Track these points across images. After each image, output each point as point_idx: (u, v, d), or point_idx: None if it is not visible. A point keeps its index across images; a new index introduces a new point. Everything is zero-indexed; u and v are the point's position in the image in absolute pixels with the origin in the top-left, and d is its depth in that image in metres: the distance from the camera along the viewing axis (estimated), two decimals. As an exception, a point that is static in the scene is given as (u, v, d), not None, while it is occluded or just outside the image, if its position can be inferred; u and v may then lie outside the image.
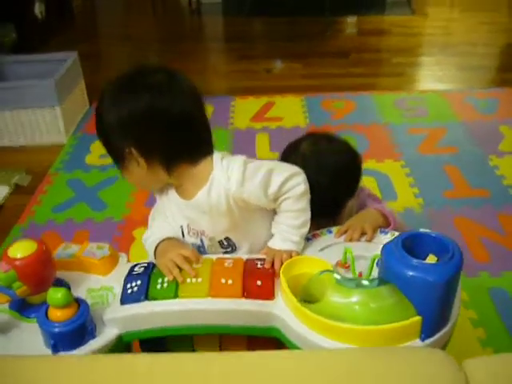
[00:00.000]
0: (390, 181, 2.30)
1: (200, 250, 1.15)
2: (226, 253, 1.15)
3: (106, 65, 3.88)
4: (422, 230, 0.94)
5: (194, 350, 1.10)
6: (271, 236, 1.11)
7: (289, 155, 1.26)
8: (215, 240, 1.13)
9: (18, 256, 0.99)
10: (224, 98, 3.15)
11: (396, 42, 4.06)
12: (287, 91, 3.21)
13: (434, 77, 3.53)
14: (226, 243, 1.14)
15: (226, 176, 1.04)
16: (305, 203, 1.09)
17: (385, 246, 0.92)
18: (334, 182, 1.22)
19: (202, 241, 1.14)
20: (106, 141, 1.07)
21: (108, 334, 0.99)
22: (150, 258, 1.10)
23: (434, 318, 0.90)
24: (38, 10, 4.16)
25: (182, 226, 1.14)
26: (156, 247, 1.09)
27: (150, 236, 1.13)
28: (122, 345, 1.01)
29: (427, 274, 0.85)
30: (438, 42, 4.09)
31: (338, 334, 0.91)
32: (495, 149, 2.54)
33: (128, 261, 1.15)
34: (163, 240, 1.09)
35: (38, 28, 4.09)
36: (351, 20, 4.72)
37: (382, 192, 2.20)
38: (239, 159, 1.06)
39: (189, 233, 1.14)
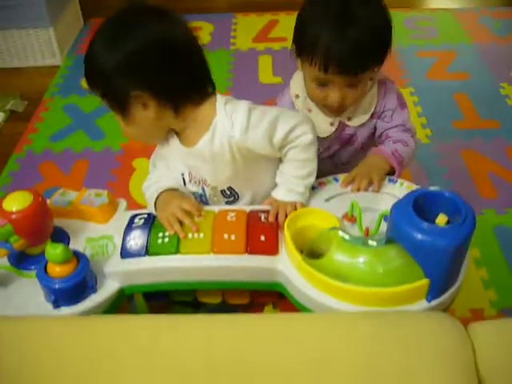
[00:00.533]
0: (397, 110, 2.22)
1: (202, 199, 1.12)
2: (228, 202, 1.12)
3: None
4: (434, 188, 0.90)
5: (196, 301, 1.09)
6: (275, 184, 1.08)
7: (308, 3, 1.11)
8: (217, 190, 1.10)
9: (14, 209, 0.96)
10: (225, 16, 3.00)
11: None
12: (292, 8, 3.04)
13: (446, -7, 3.33)
14: (228, 192, 1.11)
15: (229, 122, 0.99)
16: (312, 153, 1.05)
17: (395, 205, 0.88)
18: (364, 29, 1.03)
19: (203, 190, 1.11)
20: (104, 88, 0.98)
21: (109, 287, 0.98)
22: (150, 209, 1.06)
23: (442, 280, 0.87)
24: None
25: (183, 174, 1.10)
26: (157, 198, 1.05)
27: (151, 185, 1.09)
28: (123, 297, 1.00)
29: (437, 239, 0.82)
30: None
31: (342, 293, 0.89)
32: (507, 75, 2.43)
33: (129, 192, 1.14)
34: (164, 191, 1.05)
35: None
36: None
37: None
38: (244, 105, 1.01)
39: (190, 181, 1.10)
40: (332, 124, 1.22)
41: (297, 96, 1.23)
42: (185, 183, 1.10)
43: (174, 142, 1.06)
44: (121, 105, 0.97)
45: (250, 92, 2.27)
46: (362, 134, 1.25)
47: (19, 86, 2.52)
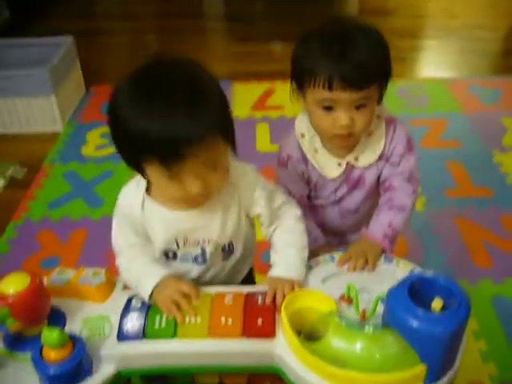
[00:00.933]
0: (392, 178, 2.26)
1: (198, 259, 1.11)
2: (224, 257, 1.12)
3: (102, 43, 3.78)
4: (429, 273, 0.91)
5: (194, 382, 1.08)
6: (254, 235, 1.14)
7: (308, 33, 1.12)
8: (219, 246, 1.09)
9: (11, 292, 0.95)
10: (224, 83, 3.06)
11: (400, 24, 3.96)
12: (288, 76, 3.14)
13: (437, 63, 3.46)
14: (227, 248, 1.11)
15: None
16: (303, 226, 1.10)
17: (391, 292, 0.89)
18: (363, 45, 1.05)
19: (203, 250, 1.09)
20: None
21: (105, 370, 0.97)
22: (138, 290, 1.05)
23: (439, 366, 0.87)
24: (33, -16, 4.06)
25: (176, 240, 1.08)
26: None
27: (131, 263, 1.08)
28: (120, 380, 0.99)
29: (433, 326, 0.82)
30: (442, 25, 3.99)
31: (339, 379, 0.88)
32: (499, 143, 2.50)
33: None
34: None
35: (31, 4, 3.99)
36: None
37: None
38: (252, 167, 1.08)
39: (185, 244, 1.08)
40: (340, 165, 1.21)
41: (302, 135, 1.21)
42: (178, 247, 1.08)
43: (157, 211, 1.03)
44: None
45: (247, 160, 2.31)
46: (370, 176, 1.23)
47: (19, 152, 2.58)
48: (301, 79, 1.12)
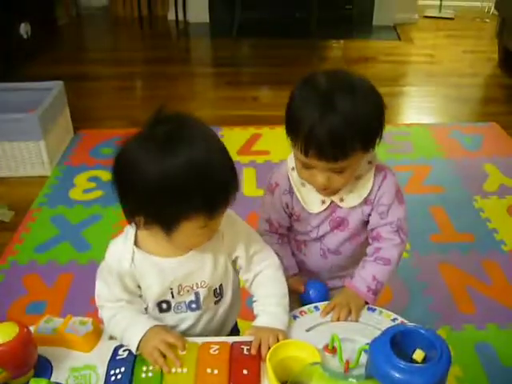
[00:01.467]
0: (376, 223, 2.30)
1: (192, 306, 1.11)
2: (216, 301, 1.13)
3: (90, 88, 3.84)
4: (411, 325, 0.94)
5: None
6: (238, 281, 1.16)
7: (298, 88, 1.10)
8: (211, 288, 1.11)
9: (-1, 341, 0.96)
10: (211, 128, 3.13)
11: (382, 70, 4.08)
12: (274, 122, 3.20)
13: (419, 108, 3.56)
14: (218, 291, 1.12)
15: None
16: (282, 274, 1.14)
17: (373, 343, 0.91)
18: (344, 116, 1.03)
19: (197, 295, 1.10)
20: None
21: (91, 422, 0.97)
22: (123, 340, 1.06)
23: (422, 417, 0.89)
24: (24, 30, 4.13)
25: (171, 289, 1.08)
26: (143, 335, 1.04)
27: (116, 316, 1.07)
28: (105, 432, 0.99)
29: (414, 377, 0.84)
30: (424, 71, 4.13)
31: (325, 430, 0.90)
32: (480, 189, 2.56)
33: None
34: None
35: (23, 48, 4.06)
36: (338, 44, 4.73)
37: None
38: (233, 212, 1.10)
39: (179, 292, 1.09)
40: (323, 202, 1.20)
41: (293, 168, 1.20)
42: (173, 296, 1.09)
43: (151, 261, 1.05)
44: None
45: (235, 204, 2.34)
46: (353, 219, 1.22)
47: (7, 195, 2.58)
48: (288, 130, 1.12)
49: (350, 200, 1.19)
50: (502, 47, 4.04)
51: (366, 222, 1.25)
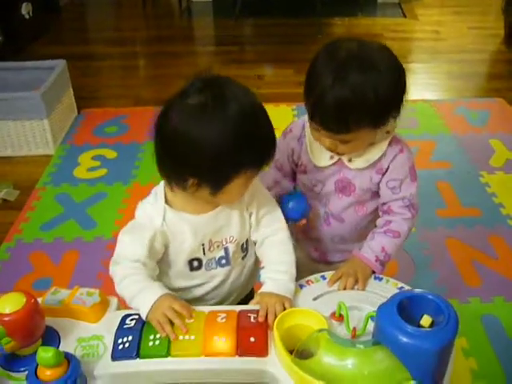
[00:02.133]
0: (382, 199, 2.29)
1: (222, 261, 1.13)
2: (243, 256, 1.16)
3: (93, 67, 3.83)
4: (417, 290, 0.93)
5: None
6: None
7: (321, 52, 1.09)
8: (239, 244, 1.13)
9: (7, 311, 0.96)
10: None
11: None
12: (279, 99, 3.20)
13: (424, 85, 3.52)
14: (245, 246, 1.15)
15: None
16: (291, 246, 1.14)
17: (380, 309, 0.90)
18: (354, 90, 1.03)
19: (226, 250, 1.12)
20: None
21: (99, 390, 0.97)
22: (132, 302, 1.05)
23: (430, 381, 0.89)
24: (25, 9, 4.10)
25: (203, 245, 1.10)
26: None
27: (139, 292, 1.05)
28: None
29: (422, 342, 0.84)
30: (429, 48, 4.08)
31: (332, 395, 0.90)
32: (486, 164, 2.54)
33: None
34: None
35: (24, 28, 4.04)
36: (342, 22, 4.68)
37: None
38: None
39: (210, 248, 1.11)
40: (332, 158, 1.20)
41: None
42: (204, 253, 1.11)
43: (182, 218, 1.06)
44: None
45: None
46: (360, 183, 1.22)
47: (12, 175, 2.59)
48: (304, 90, 1.11)
49: (358, 162, 1.18)
50: (508, 23, 3.99)
51: (374, 194, 1.24)
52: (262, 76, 3.65)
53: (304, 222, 1.24)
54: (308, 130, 1.20)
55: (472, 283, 1.87)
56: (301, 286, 1.12)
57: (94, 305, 1.10)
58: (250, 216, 1.13)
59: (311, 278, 1.15)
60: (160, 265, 1.12)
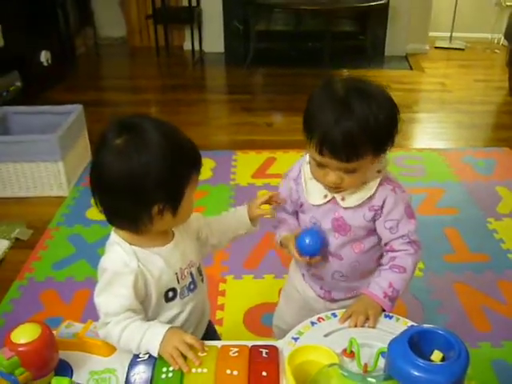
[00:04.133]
0: (391, 243, 2.31)
1: (191, 287, 1.16)
2: (202, 280, 1.21)
3: (108, 113, 3.93)
4: (428, 326, 0.95)
5: None
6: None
7: (318, 90, 1.16)
8: (197, 268, 1.19)
9: (22, 341, 0.98)
10: (226, 153, 3.19)
11: (394, 98, 4.10)
12: (288, 146, 3.26)
13: (432, 134, 3.59)
14: (200, 268, 1.21)
15: None
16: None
17: (391, 343, 0.92)
18: (358, 119, 1.08)
19: (192, 275, 1.17)
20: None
21: (111, 423, 0.98)
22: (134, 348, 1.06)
23: (441, 417, 0.89)
24: (44, 57, 4.25)
25: (176, 274, 1.12)
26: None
27: (122, 322, 1.06)
28: (125, 433, 1.00)
29: (434, 375, 0.85)
30: (436, 99, 4.18)
31: (344, 431, 0.90)
32: (493, 211, 2.57)
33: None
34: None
35: (43, 75, 4.18)
36: (350, 73, 4.80)
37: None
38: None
39: (181, 276, 1.14)
40: (325, 196, 1.25)
41: (308, 162, 1.25)
42: (178, 282, 1.13)
43: (150, 253, 1.09)
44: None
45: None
46: (354, 222, 1.25)
47: (25, 214, 2.63)
48: (304, 129, 1.17)
49: (350, 200, 1.23)
50: (513, 76, 4.09)
51: (370, 231, 1.27)
52: (271, 123, 3.73)
53: (319, 258, 1.27)
54: (304, 171, 1.27)
55: (482, 328, 1.86)
56: (312, 323, 1.13)
57: (107, 338, 1.12)
58: (200, 234, 1.23)
59: (322, 315, 1.16)
60: None
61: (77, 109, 2.97)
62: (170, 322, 1.15)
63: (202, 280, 1.22)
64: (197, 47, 5.22)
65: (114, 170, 0.98)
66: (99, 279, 1.09)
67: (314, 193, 1.26)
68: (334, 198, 1.24)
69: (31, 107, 3.11)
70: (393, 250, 1.26)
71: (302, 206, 1.30)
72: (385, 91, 1.16)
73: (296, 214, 1.35)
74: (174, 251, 1.12)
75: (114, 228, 1.11)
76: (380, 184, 1.21)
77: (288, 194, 1.31)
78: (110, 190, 1.01)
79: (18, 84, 3.83)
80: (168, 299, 1.14)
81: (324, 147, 1.11)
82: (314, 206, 1.27)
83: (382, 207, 1.22)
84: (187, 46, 5.31)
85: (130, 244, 1.08)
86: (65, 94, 4.15)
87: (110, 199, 1.03)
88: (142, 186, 0.99)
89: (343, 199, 1.23)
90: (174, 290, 1.13)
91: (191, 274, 1.16)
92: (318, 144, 1.12)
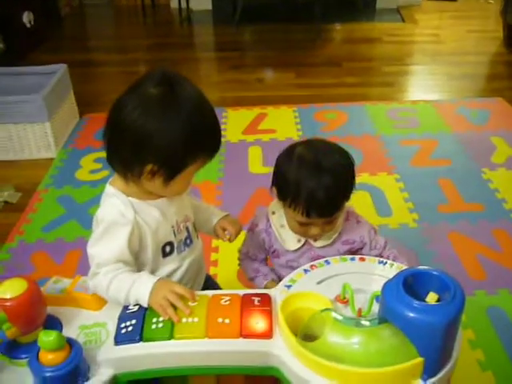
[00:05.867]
0: (385, 196, 2.29)
1: (187, 242, 1.18)
2: (197, 236, 1.23)
3: (95, 73, 3.85)
4: (422, 267, 0.92)
5: (189, 386, 1.07)
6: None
7: (284, 159, 1.23)
8: (192, 223, 1.20)
9: (8, 296, 0.96)
10: (216, 110, 3.11)
11: (387, 50, 4.06)
12: (280, 102, 3.20)
13: (425, 86, 3.54)
14: (195, 224, 1.23)
15: None
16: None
17: (385, 285, 0.89)
18: (334, 179, 1.17)
19: (188, 229, 1.18)
20: None
21: (102, 375, 0.96)
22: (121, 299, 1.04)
23: (437, 358, 0.88)
24: (27, 18, 4.13)
25: (173, 227, 1.13)
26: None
27: (111, 273, 1.05)
28: (117, 384, 0.99)
29: (429, 316, 0.83)
30: (429, 51, 4.10)
31: (338, 374, 0.89)
32: (488, 161, 2.54)
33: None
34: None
35: (26, 36, 4.07)
36: (342, 27, 4.71)
37: (377, 208, 2.19)
38: None
39: (178, 230, 1.15)
40: (299, 241, 1.30)
41: (273, 213, 1.32)
42: (175, 235, 1.14)
43: (148, 205, 1.09)
44: None
45: (241, 181, 2.34)
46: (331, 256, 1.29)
47: (14, 177, 2.58)
48: (283, 196, 1.22)
49: (323, 240, 1.30)
50: (507, 25, 4.00)
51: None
52: (261, 79, 3.66)
53: None
54: (273, 220, 1.32)
55: (477, 276, 1.85)
56: (305, 271, 1.11)
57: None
58: None
59: (315, 262, 1.14)
60: (135, 261, 1.12)
61: (61, 68, 2.89)
62: (168, 277, 1.15)
63: (197, 236, 1.23)
64: (184, 5, 5.08)
65: (134, 115, 0.98)
66: (94, 230, 1.09)
67: (288, 239, 1.30)
68: (306, 240, 1.30)
69: (13, 68, 3.03)
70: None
71: (274, 251, 1.33)
72: (336, 144, 1.25)
73: (266, 259, 1.40)
74: (170, 204, 1.12)
75: (110, 180, 1.11)
76: (345, 219, 1.31)
77: (260, 245, 1.35)
78: (120, 127, 1.00)
79: (1, 46, 3.73)
80: (165, 254, 1.14)
81: (311, 210, 1.18)
82: (289, 251, 1.31)
83: (355, 241, 1.32)
84: (174, 3, 5.17)
85: (127, 196, 1.07)
86: (50, 55, 4.03)
87: (116, 134, 1.02)
88: (148, 139, 0.98)
89: (315, 240, 1.30)
90: (171, 244, 1.14)
91: (187, 228, 1.17)
92: (305, 209, 1.18)
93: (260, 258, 1.39)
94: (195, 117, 0.99)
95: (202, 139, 1.01)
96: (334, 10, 4.89)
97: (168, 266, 1.15)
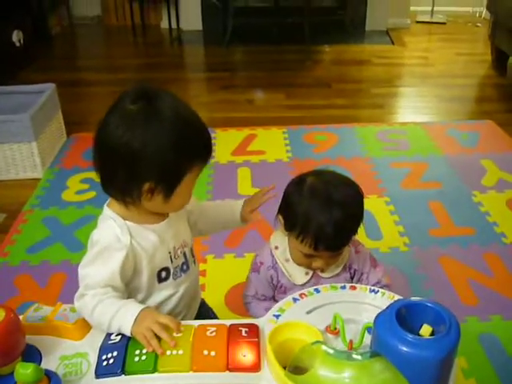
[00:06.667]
0: (375, 219, 2.27)
1: (183, 268, 1.15)
2: (194, 262, 1.20)
3: (84, 93, 3.82)
4: (416, 298, 0.89)
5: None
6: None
7: (294, 190, 1.22)
8: (190, 248, 1.17)
9: (-16, 326, 0.92)
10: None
11: (376, 72, 4.08)
12: (269, 123, 3.19)
13: (414, 108, 3.55)
14: (192, 250, 1.20)
15: None
16: None
17: (377, 317, 0.86)
18: (344, 213, 1.16)
19: (185, 255, 1.15)
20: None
21: (82, 409, 0.92)
22: (105, 327, 1.01)
23: (431, 394, 0.84)
24: (16, 37, 4.12)
25: (170, 253, 1.11)
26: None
27: (98, 296, 1.02)
28: (97, 420, 0.94)
29: (423, 350, 0.80)
30: (418, 73, 4.13)
31: (329, 411, 0.85)
32: (478, 184, 2.53)
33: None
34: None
35: (15, 55, 4.06)
36: (331, 49, 4.73)
37: (367, 231, 2.16)
38: None
39: (175, 255, 1.12)
40: (307, 273, 1.29)
41: (276, 247, 1.30)
42: (172, 261, 1.12)
43: (144, 229, 1.07)
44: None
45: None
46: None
47: (-1, 197, 2.53)
48: (291, 226, 1.21)
49: (330, 270, 1.28)
50: (495, 48, 4.03)
51: None
52: (251, 100, 3.65)
53: None
54: (277, 256, 1.30)
55: (468, 302, 1.83)
56: (294, 300, 1.08)
57: (77, 321, 1.06)
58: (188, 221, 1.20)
59: (305, 291, 1.11)
60: (128, 286, 1.09)
61: (49, 88, 2.86)
62: (163, 303, 1.14)
63: (194, 262, 1.21)
64: (174, 25, 5.10)
65: (117, 133, 0.96)
66: (88, 250, 1.07)
67: (296, 274, 1.29)
68: (314, 272, 1.28)
69: (1, 87, 2.99)
70: None
71: (282, 287, 1.31)
72: (345, 176, 1.26)
73: (274, 296, 1.36)
74: (167, 229, 1.10)
75: (107, 203, 1.09)
76: (356, 251, 1.31)
77: (268, 282, 1.32)
78: (108, 151, 0.98)
79: (-11, 65, 3.71)
80: (161, 279, 1.12)
81: (319, 244, 1.17)
82: (296, 285, 1.28)
83: (356, 269, 1.31)
84: (164, 24, 5.19)
85: (124, 219, 1.05)
86: (39, 74, 4.01)
87: (106, 161, 1.00)
88: (138, 156, 0.96)
89: (322, 271, 1.28)
90: (167, 269, 1.12)
91: (184, 254, 1.15)
92: (313, 241, 1.17)
93: (269, 296, 1.35)
94: (178, 123, 0.98)
95: (191, 144, 0.99)
96: (324, 32, 4.92)
97: (163, 291, 1.13)
